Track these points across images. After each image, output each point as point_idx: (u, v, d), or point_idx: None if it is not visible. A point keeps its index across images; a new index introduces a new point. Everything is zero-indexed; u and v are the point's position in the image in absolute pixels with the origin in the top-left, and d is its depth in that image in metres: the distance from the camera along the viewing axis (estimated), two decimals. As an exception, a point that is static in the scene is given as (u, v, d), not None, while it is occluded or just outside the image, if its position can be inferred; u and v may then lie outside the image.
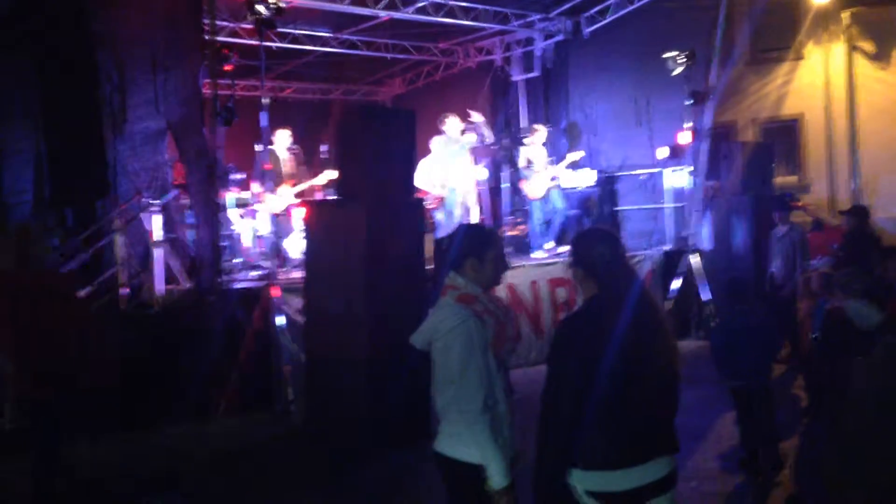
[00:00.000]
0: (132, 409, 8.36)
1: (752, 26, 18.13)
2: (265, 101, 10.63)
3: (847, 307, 6.79)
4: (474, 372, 3.58)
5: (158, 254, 9.80)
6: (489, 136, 13.10)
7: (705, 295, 12.31)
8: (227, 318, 9.40)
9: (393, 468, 7.26)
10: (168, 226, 10.70)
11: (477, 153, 13.16)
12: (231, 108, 10.33)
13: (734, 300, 7.04)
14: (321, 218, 8.69)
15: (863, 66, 17.43)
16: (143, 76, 10.50)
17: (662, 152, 14.57)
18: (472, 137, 12.74)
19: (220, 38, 12.07)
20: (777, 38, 18.25)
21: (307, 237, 8.93)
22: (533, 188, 13.12)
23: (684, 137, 13.51)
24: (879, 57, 17.26)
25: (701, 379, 7.69)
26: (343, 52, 16.88)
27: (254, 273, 11.32)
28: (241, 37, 14.49)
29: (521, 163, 13.13)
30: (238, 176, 12.89)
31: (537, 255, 12.85)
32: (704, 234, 13.04)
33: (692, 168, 13.54)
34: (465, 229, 4.64)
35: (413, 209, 8.49)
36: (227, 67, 10.62)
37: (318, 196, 12.27)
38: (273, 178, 11.38)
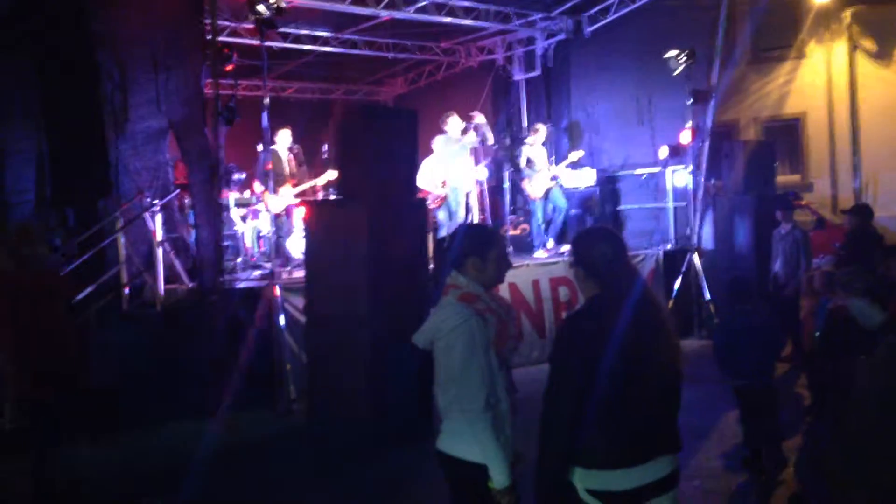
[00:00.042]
0: (134, 408, 8.35)
1: (754, 25, 18.16)
2: (266, 100, 10.62)
3: (850, 306, 6.79)
4: (476, 371, 3.58)
5: (160, 253, 9.80)
6: (490, 138, 13.10)
7: (707, 294, 12.29)
8: (228, 317, 9.40)
9: (395, 467, 7.25)
10: (170, 225, 10.71)
11: (478, 153, 13.16)
12: (233, 108, 10.33)
13: (736, 299, 7.03)
14: (322, 218, 8.70)
15: (864, 64, 17.45)
16: (145, 76, 10.51)
17: (664, 151, 14.55)
18: (473, 137, 12.74)
19: (221, 38, 12.07)
20: (779, 36, 18.28)
21: (308, 237, 8.93)
22: (534, 188, 13.12)
23: (686, 136, 13.49)
24: (881, 55, 17.27)
25: (703, 378, 7.68)
26: (344, 52, 16.88)
27: (255, 273, 11.33)
28: (242, 36, 14.49)
29: (522, 162, 13.13)
30: (239, 176, 12.90)
31: (539, 254, 12.84)
32: (706, 234, 13.02)
33: (694, 167, 13.52)
34: (467, 228, 4.64)
35: (415, 209, 8.49)
36: (229, 67, 10.61)
37: (320, 196, 12.27)
38: (274, 178, 11.38)
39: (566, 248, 12.76)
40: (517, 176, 13.36)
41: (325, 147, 12.60)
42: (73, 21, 10.30)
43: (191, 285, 10.05)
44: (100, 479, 7.18)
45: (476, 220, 12.68)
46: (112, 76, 10.43)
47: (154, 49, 10.51)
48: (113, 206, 10.28)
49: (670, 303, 11.99)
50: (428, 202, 11.65)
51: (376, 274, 7.75)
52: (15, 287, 6.14)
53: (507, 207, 14.08)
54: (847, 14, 17.46)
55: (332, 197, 11.91)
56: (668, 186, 14.50)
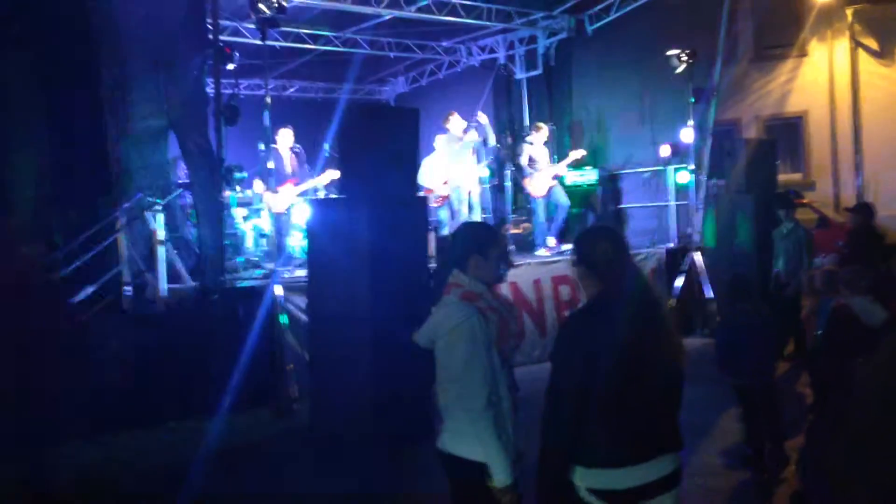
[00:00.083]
0: (134, 408, 8.35)
1: (756, 23, 18.15)
2: (268, 99, 10.63)
3: (852, 304, 6.78)
4: (478, 369, 3.58)
5: (162, 253, 9.80)
6: (492, 139, 13.11)
7: (708, 293, 12.28)
8: (230, 316, 9.40)
9: (396, 466, 7.25)
10: (172, 225, 10.71)
11: (480, 152, 13.16)
12: (234, 107, 10.34)
13: (737, 298, 7.02)
14: (324, 217, 8.70)
15: (867, 62, 17.43)
16: (146, 75, 10.51)
17: (665, 150, 14.56)
18: (475, 136, 12.74)
19: (222, 38, 12.07)
20: (780, 35, 18.26)
21: (310, 236, 8.93)
22: (536, 186, 13.11)
23: (687, 135, 13.48)
24: (883, 54, 17.25)
25: (704, 376, 7.63)
26: (346, 51, 16.87)
27: (257, 272, 11.33)
28: (243, 35, 14.49)
29: (524, 160, 13.13)
30: (241, 175, 12.91)
31: (540, 252, 12.84)
32: (708, 232, 13.02)
33: (695, 166, 13.52)
34: (468, 227, 4.65)
35: (417, 208, 8.48)
36: (230, 66, 10.62)
37: (321, 195, 12.27)
38: (275, 177, 11.38)
39: (568, 246, 12.76)
40: (519, 175, 13.37)
41: (327, 146, 12.60)
42: (75, 19, 10.29)
43: (192, 285, 10.05)
44: (100, 479, 7.18)
45: (478, 219, 12.68)
46: (113, 75, 10.43)
47: (156, 48, 10.51)
48: (114, 206, 10.27)
49: (672, 301, 11.99)
50: (430, 201, 11.66)
51: (378, 273, 7.74)
52: None
53: (509, 206, 14.07)
54: (849, 12, 17.43)
55: (334, 196, 11.91)
56: (670, 185, 14.51)
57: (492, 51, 18.36)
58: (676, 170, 14.36)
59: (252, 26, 13.57)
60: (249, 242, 12.71)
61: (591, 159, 16.59)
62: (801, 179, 18.23)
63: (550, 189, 13.22)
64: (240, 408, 8.57)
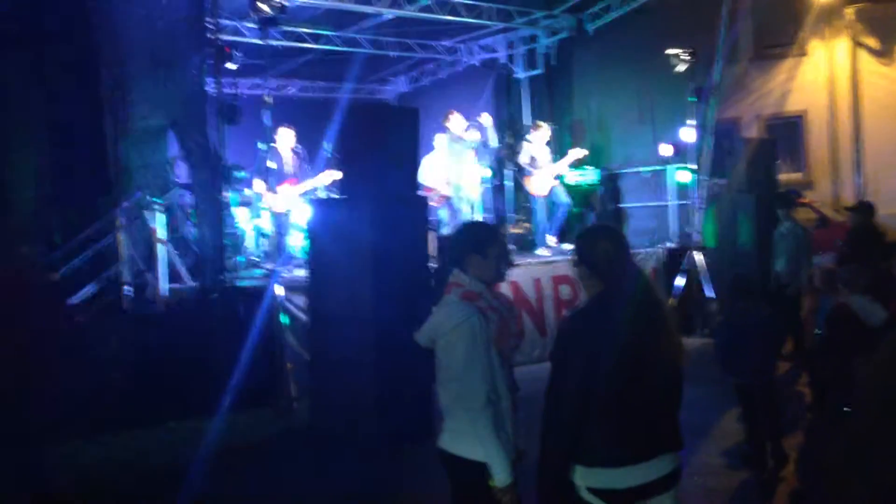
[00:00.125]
0: (134, 408, 8.35)
1: (756, 22, 18.13)
2: (268, 99, 10.62)
3: (852, 303, 6.79)
4: (478, 369, 3.58)
5: (162, 252, 9.80)
6: (493, 141, 13.12)
7: (709, 292, 12.28)
8: (230, 316, 9.40)
9: (397, 465, 7.26)
10: (171, 224, 10.71)
11: (480, 152, 13.16)
12: (235, 107, 10.35)
13: (737, 297, 7.02)
14: (325, 217, 8.70)
15: (866, 61, 17.43)
16: (146, 74, 10.50)
17: (666, 149, 14.56)
18: (476, 135, 12.74)
19: (222, 37, 12.06)
20: (780, 34, 18.26)
21: (311, 236, 8.94)
22: (536, 186, 13.11)
23: (688, 134, 13.48)
24: (883, 53, 17.25)
25: (704, 376, 7.64)
26: (347, 51, 16.87)
27: (257, 271, 11.33)
28: (244, 35, 14.48)
29: (524, 159, 13.13)
30: (241, 174, 12.90)
31: (541, 252, 12.84)
32: (708, 232, 13.02)
33: (696, 165, 13.51)
34: (468, 226, 4.65)
35: (417, 207, 8.48)
36: (230, 66, 10.62)
37: (321, 195, 12.27)
38: (275, 177, 11.38)
39: (568, 246, 12.76)
40: (519, 174, 13.36)
41: (328, 145, 12.59)
42: (75, 19, 10.29)
43: (192, 284, 10.05)
44: (100, 479, 7.18)
45: (478, 219, 12.67)
46: (113, 75, 10.43)
47: (155, 47, 10.51)
48: (113, 205, 10.27)
49: (672, 301, 11.99)
50: (430, 200, 11.65)
51: (378, 272, 7.75)
52: None
53: (510, 206, 14.07)
54: (849, 11, 17.43)
55: (335, 195, 11.91)
56: (671, 184, 14.51)
57: (492, 50, 18.34)
58: (677, 169, 14.37)
59: (252, 25, 13.55)
60: (249, 242, 12.71)
61: (592, 158, 16.56)
62: (800, 178, 18.23)
63: (551, 188, 13.22)
64: (240, 407, 8.57)
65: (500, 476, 3.53)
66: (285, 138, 11.99)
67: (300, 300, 9.43)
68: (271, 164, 11.07)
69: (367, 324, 7.77)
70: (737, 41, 17.04)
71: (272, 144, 11.43)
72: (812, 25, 17.80)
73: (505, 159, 14.03)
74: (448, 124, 12.49)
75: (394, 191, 8.00)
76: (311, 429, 8.44)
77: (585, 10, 16.46)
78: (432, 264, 9.35)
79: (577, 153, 13.86)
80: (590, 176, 15.71)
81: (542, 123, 13.74)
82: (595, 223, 14.22)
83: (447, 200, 12.79)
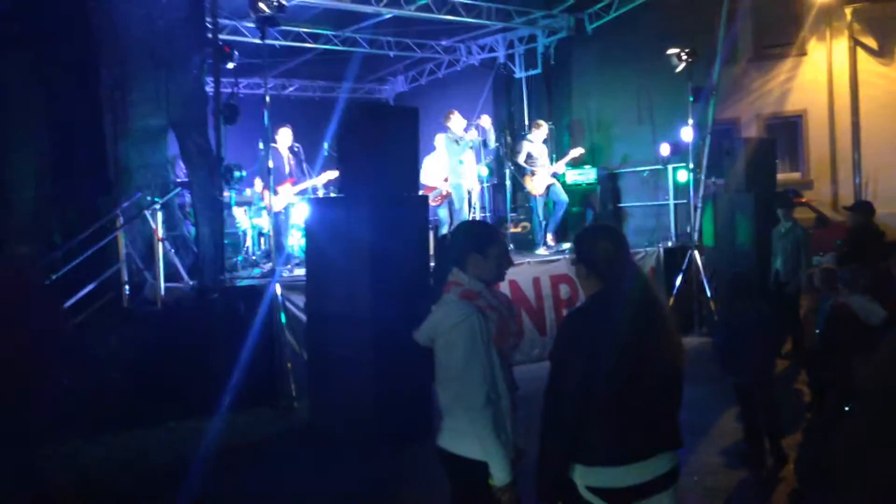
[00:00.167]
0: (134, 407, 8.36)
1: (755, 22, 18.15)
2: (267, 98, 10.62)
3: (851, 303, 6.80)
4: (477, 368, 3.58)
5: (161, 251, 9.80)
6: (492, 142, 13.13)
7: (708, 291, 12.28)
8: (229, 315, 9.40)
9: (396, 465, 7.26)
10: (170, 223, 10.71)
11: (479, 151, 13.18)
12: (234, 106, 10.35)
13: (736, 296, 7.03)
14: (323, 216, 8.70)
15: (866, 61, 17.44)
16: (145, 74, 10.50)
17: (665, 149, 14.57)
18: (475, 135, 12.75)
19: (221, 36, 12.07)
20: (780, 34, 18.28)
21: (309, 235, 8.94)
22: (535, 185, 13.12)
23: (687, 134, 13.49)
24: (882, 53, 17.26)
25: (703, 375, 7.65)
26: (345, 50, 16.87)
27: (256, 271, 11.33)
28: (243, 34, 14.49)
29: (522, 157, 13.14)
30: (240, 174, 12.90)
31: (540, 251, 12.85)
32: (707, 231, 13.02)
33: (695, 165, 13.52)
34: (468, 225, 4.65)
35: (417, 207, 8.48)
36: (229, 65, 10.62)
37: (320, 194, 12.28)
38: (275, 177, 11.38)
39: (567, 245, 12.77)
40: (518, 173, 13.37)
41: (327, 145, 12.61)
42: (75, 18, 10.29)
43: (191, 283, 10.06)
44: (100, 479, 7.19)
45: (477, 218, 12.69)
46: (113, 74, 10.43)
47: (155, 47, 10.50)
48: (113, 205, 10.27)
49: (671, 300, 11.99)
50: (430, 200, 11.67)
51: (377, 272, 7.75)
52: None
53: (509, 205, 14.09)
54: (848, 11, 17.45)
55: (333, 195, 11.92)
56: (669, 184, 14.51)
57: (491, 50, 18.36)
58: (676, 169, 14.38)
59: (251, 25, 13.57)
60: (248, 241, 12.72)
61: (591, 158, 16.60)
62: (800, 178, 18.25)
63: (549, 187, 13.23)
64: (239, 407, 8.58)
65: (500, 475, 3.53)
66: (284, 138, 12.00)
67: (299, 299, 9.43)
68: (271, 164, 11.07)
69: (366, 323, 7.77)
70: (736, 41, 17.08)
71: (272, 144, 11.44)
72: (811, 25, 17.82)
73: (504, 159, 14.04)
74: (448, 124, 12.51)
75: (392, 190, 8.00)
76: (310, 428, 8.45)
77: (584, 9, 16.48)
78: (431, 263, 9.35)
79: (575, 152, 13.88)
80: (589, 175, 15.73)
81: (541, 122, 13.75)
82: (594, 222, 14.25)
83: (447, 200, 12.80)
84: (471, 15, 15.07)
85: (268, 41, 11.06)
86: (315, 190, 12.27)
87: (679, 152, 14.22)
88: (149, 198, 10.34)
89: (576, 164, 14.94)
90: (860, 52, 17.49)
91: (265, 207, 11.90)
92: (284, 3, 10.24)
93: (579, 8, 16.44)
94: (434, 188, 12.81)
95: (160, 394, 8.48)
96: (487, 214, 14.39)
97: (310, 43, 16.28)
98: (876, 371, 3.56)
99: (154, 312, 9.61)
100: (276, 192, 11.32)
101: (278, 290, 9.45)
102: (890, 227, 11.86)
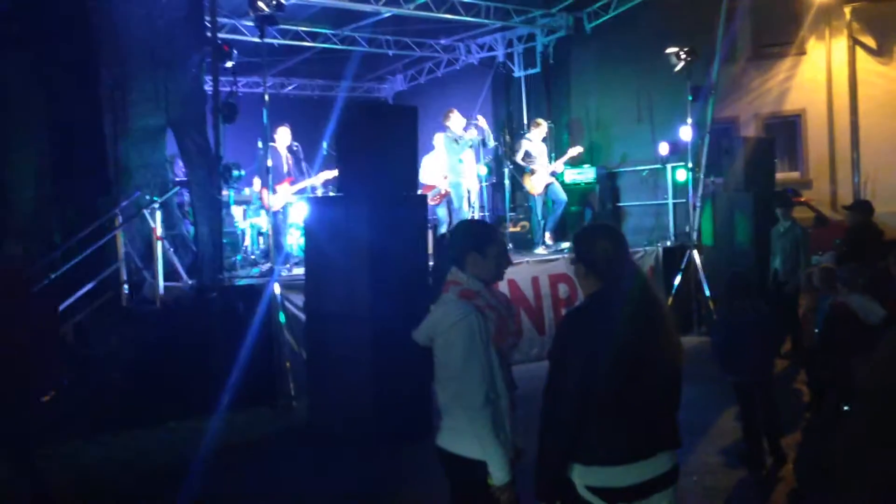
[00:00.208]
0: (134, 406, 8.36)
1: (754, 21, 18.15)
2: (266, 97, 10.62)
3: (850, 302, 6.81)
4: (476, 367, 3.58)
5: (160, 251, 9.80)
6: (491, 141, 13.13)
7: (707, 291, 12.28)
8: (228, 314, 9.40)
9: (395, 464, 7.26)
10: (169, 222, 10.71)
11: (479, 151, 13.18)
12: (232, 105, 10.35)
13: (735, 296, 7.03)
14: (322, 215, 8.70)
15: (865, 61, 17.45)
16: (145, 74, 10.50)
17: (664, 148, 14.57)
18: (474, 134, 12.75)
19: (220, 35, 12.06)
20: (779, 33, 18.28)
21: (308, 234, 8.94)
22: (534, 184, 13.13)
23: (686, 133, 13.49)
24: (881, 52, 17.26)
25: (702, 375, 7.67)
26: (344, 49, 16.87)
27: (254, 270, 11.33)
28: (242, 33, 14.49)
29: (520, 156, 13.15)
30: (239, 173, 12.91)
31: (539, 250, 12.85)
32: (706, 230, 13.02)
33: (693, 164, 13.53)
34: (466, 225, 4.65)
35: (415, 206, 8.48)
36: (228, 64, 10.62)
37: (318, 193, 12.28)
38: (274, 176, 11.39)
39: (566, 244, 12.77)
40: (517, 172, 13.37)
41: (325, 145, 12.61)
42: (74, 18, 10.28)
43: (190, 283, 10.06)
44: (100, 479, 7.19)
45: (476, 217, 12.69)
46: (112, 74, 10.43)
47: (154, 47, 10.50)
48: (112, 204, 10.27)
49: (670, 299, 11.99)
50: (429, 199, 11.67)
51: (376, 271, 7.75)
52: None
53: (507, 204, 14.09)
54: (847, 10, 17.45)
55: (332, 194, 11.92)
56: (668, 183, 14.51)
57: (490, 49, 18.36)
58: (675, 168, 14.38)
59: (250, 24, 13.58)
60: (247, 241, 12.72)
61: (590, 157, 16.60)
62: (799, 177, 18.25)
63: (548, 186, 13.23)
64: (239, 406, 8.58)
65: (499, 474, 3.53)
66: (283, 137, 12.00)
67: (298, 299, 9.43)
68: (270, 163, 11.07)
69: (365, 322, 7.77)
70: (735, 40, 17.07)
71: (271, 143, 11.44)
72: (810, 25, 17.82)
73: (503, 158, 14.04)
74: (448, 122, 12.51)
75: (391, 189, 8.00)
76: (309, 427, 8.44)
77: (583, 8, 16.48)
78: (430, 262, 9.35)
79: (574, 151, 13.88)
80: (588, 174, 15.73)
81: (541, 121, 13.75)
82: (593, 221, 14.25)
83: (445, 199, 12.80)
84: (470, 14, 15.07)
85: (267, 40, 11.07)
86: (314, 189, 12.27)
87: (678, 151, 14.22)
88: (148, 197, 10.34)
89: (575, 163, 14.94)
90: (859, 52, 17.49)
91: (262, 207, 11.90)
92: (283, 1, 10.24)
93: (578, 7, 16.45)
94: (433, 187, 12.81)
95: (160, 393, 8.48)
96: (486, 213, 14.39)
97: (308, 42, 16.29)
98: (875, 370, 3.56)
99: (153, 311, 9.61)
100: (274, 191, 11.32)
101: (277, 289, 9.45)
102: (889, 226, 11.85)
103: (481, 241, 3.82)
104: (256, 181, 12.49)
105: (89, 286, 9.32)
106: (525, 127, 15.74)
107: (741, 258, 11.57)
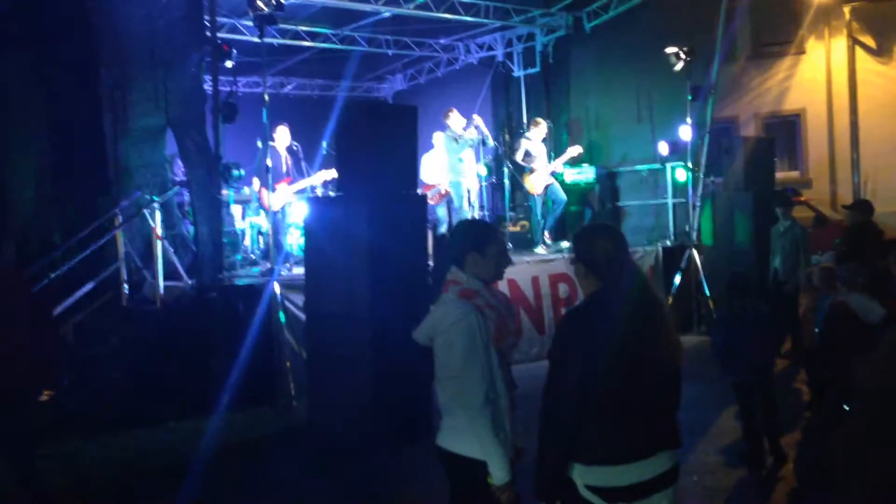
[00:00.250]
0: (134, 406, 8.36)
1: (754, 21, 18.16)
2: (266, 97, 10.62)
3: (850, 301, 6.80)
4: (476, 367, 3.58)
5: (160, 250, 9.80)
6: (490, 141, 13.13)
7: (707, 290, 12.28)
8: (228, 314, 9.40)
9: (395, 464, 7.26)
10: (169, 222, 10.71)
11: (478, 149, 13.18)
12: (232, 105, 10.35)
13: (735, 295, 7.03)
14: (322, 215, 8.70)
15: (864, 60, 17.45)
16: (145, 73, 10.51)
17: (663, 147, 14.56)
18: (474, 133, 12.75)
19: (220, 35, 12.06)
20: (778, 32, 18.29)
21: (308, 234, 8.93)
22: (534, 184, 13.12)
23: (685, 133, 13.49)
24: (881, 52, 17.27)
25: (702, 374, 7.68)
26: (344, 48, 16.87)
27: (254, 269, 11.33)
28: (241, 33, 14.49)
29: (520, 155, 13.14)
30: (239, 173, 12.91)
31: (539, 250, 12.85)
32: (706, 230, 13.02)
33: (693, 163, 13.52)
34: (466, 224, 4.65)
35: (415, 205, 8.48)
36: (228, 64, 10.62)
37: (318, 193, 12.28)
38: (274, 175, 11.38)
39: (565, 244, 12.78)
40: (517, 172, 13.37)
41: (325, 144, 12.60)
42: (75, 18, 10.29)
43: (189, 282, 10.06)
44: (100, 479, 7.18)
45: (476, 217, 12.69)
46: (112, 74, 10.43)
47: (154, 46, 10.50)
48: (112, 204, 10.28)
49: (670, 299, 11.99)
50: (428, 198, 11.67)
51: (376, 270, 7.75)
52: None
53: (507, 204, 14.09)
54: (847, 10, 17.46)
55: (332, 194, 11.92)
56: (668, 182, 14.51)
57: (490, 48, 18.36)
58: (674, 167, 14.37)
59: (250, 24, 13.57)
60: (247, 240, 12.72)
61: (589, 157, 16.58)
62: (798, 177, 18.26)
63: (548, 186, 13.23)
64: (239, 406, 8.58)
65: (499, 474, 3.53)
66: (282, 137, 11.99)
67: (298, 298, 9.42)
68: (269, 163, 11.07)
69: (364, 322, 7.77)
70: (735, 40, 17.07)
71: (270, 143, 11.43)
72: (810, 24, 17.83)
73: (503, 157, 14.04)
74: (448, 122, 12.50)
75: (391, 189, 8.00)
76: (309, 427, 8.44)
77: (583, 8, 16.47)
78: (430, 262, 9.35)
79: (573, 151, 13.87)
80: (587, 174, 15.73)
81: (540, 120, 13.74)
82: (594, 221, 14.24)
83: (445, 198, 12.80)
84: (469, 13, 15.07)
85: (266, 39, 11.05)
86: (313, 189, 12.27)
87: (678, 151, 14.21)
88: (148, 197, 10.34)
89: (574, 162, 14.93)
90: (859, 51, 17.49)
91: (261, 207, 11.90)
92: (283, 1, 10.24)
93: (578, 6, 16.44)
94: (432, 186, 12.81)
95: (160, 393, 8.48)
96: (486, 213, 14.38)
97: (308, 41, 16.29)
98: (875, 370, 3.56)
99: (153, 311, 9.62)
100: (273, 191, 11.32)
101: (277, 288, 9.44)
102: (889, 225, 11.85)
103: (481, 241, 3.81)
104: (255, 181, 12.49)
105: (89, 286, 9.32)
106: (524, 126, 15.72)
107: (741, 258, 11.56)
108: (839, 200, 16.77)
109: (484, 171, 13.88)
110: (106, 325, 9.23)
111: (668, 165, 14.55)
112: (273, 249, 10.74)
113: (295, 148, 12.19)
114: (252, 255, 12.36)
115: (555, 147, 16.07)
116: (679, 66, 13.03)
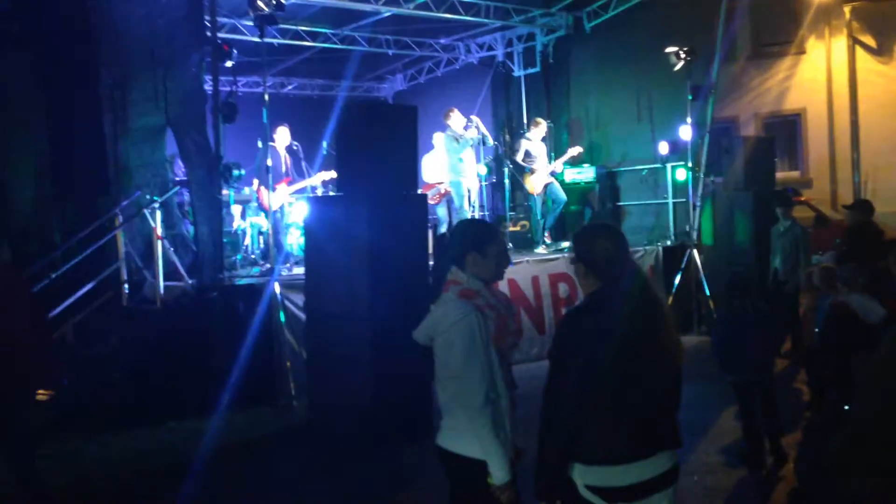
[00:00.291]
0: (134, 405, 8.36)
1: (754, 21, 18.14)
2: (266, 97, 10.63)
3: (850, 301, 6.81)
4: (476, 367, 3.58)
5: (160, 250, 9.80)
6: (490, 140, 13.13)
7: (707, 290, 12.28)
8: (229, 314, 9.40)
9: (395, 464, 7.26)
10: (169, 222, 10.71)
11: (478, 149, 13.18)
12: (232, 105, 10.35)
13: (735, 295, 7.03)
14: (322, 214, 8.70)
15: (864, 60, 17.43)
16: (145, 73, 10.51)
17: (664, 147, 14.56)
18: (474, 133, 12.75)
19: (220, 35, 12.07)
20: (778, 32, 18.27)
21: (308, 234, 8.94)
22: (534, 184, 13.13)
23: (686, 132, 13.49)
24: (881, 51, 17.25)
25: (702, 374, 7.68)
26: (344, 48, 16.87)
27: (255, 269, 11.33)
28: (241, 33, 14.49)
29: (520, 155, 13.15)
30: (239, 172, 12.91)
31: (539, 250, 12.85)
32: (706, 230, 13.02)
33: (693, 163, 13.52)
34: (466, 224, 4.65)
35: (415, 205, 8.48)
36: (228, 64, 10.62)
37: (318, 193, 12.28)
38: (274, 175, 11.39)
39: (566, 244, 12.78)
40: (518, 172, 13.37)
41: (325, 144, 12.61)
42: (74, 17, 10.29)
43: (190, 282, 10.06)
44: (100, 479, 7.18)
45: (476, 216, 12.69)
46: (112, 74, 10.43)
47: (154, 46, 10.50)
48: (112, 204, 10.28)
49: (670, 299, 11.99)
50: (429, 198, 11.67)
51: (376, 270, 7.75)
52: None
53: (507, 204, 14.10)
54: (847, 9, 17.44)
55: (332, 193, 11.92)
56: (668, 182, 14.51)
57: (490, 48, 18.36)
58: (674, 167, 14.38)
59: (250, 23, 13.57)
60: (248, 240, 12.72)
61: (589, 157, 16.59)
62: (798, 177, 18.25)
63: (548, 186, 13.23)
64: (239, 406, 8.58)
65: (499, 474, 3.53)
66: (282, 137, 12.00)
67: (299, 298, 9.42)
68: (269, 163, 11.08)
69: (365, 322, 7.77)
70: (735, 39, 17.06)
71: (270, 143, 11.44)
72: (810, 24, 17.81)
73: (503, 157, 14.04)
74: (448, 121, 12.50)
75: (391, 189, 8.00)
76: (309, 427, 8.44)
77: (583, 8, 16.48)
78: (430, 262, 9.35)
79: (573, 151, 13.88)
80: (587, 174, 15.73)
81: (540, 120, 13.75)
82: (594, 221, 14.25)
83: (445, 198, 12.80)
84: (469, 13, 15.07)
85: (266, 39, 11.06)
86: (313, 189, 12.27)
87: (678, 151, 14.22)
88: (148, 196, 10.34)
89: (574, 162, 14.94)
90: (859, 51, 17.48)
91: (261, 207, 11.90)
92: (283, 1, 10.24)
93: (578, 6, 16.44)
94: (432, 186, 12.82)
95: (160, 393, 8.48)
96: (486, 213, 14.38)
97: (308, 41, 16.29)
98: (875, 370, 3.56)
99: (153, 311, 9.62)
100: (273, 191, 11.32)
101: (277, 288, 9.44)
102: (889, 225, 11.84)
103: (481, 241, 3.81)
104: (256, 181, 12.49)
105: (89, 286, 9.32)
106: (525, 126, 15.73)
107: (741, 257, 11.57)
108: (839, 200, 16.76)
109: (484, 171, 13.88)
110: (106, 324, 9.22)
111: (669, 165, 14.55)
112: (273, 249, 10.74)
113: (295, 148, 12.19)
114: (252, 255, 12.36)
115: (555, 147, 16.07)
116: (679, 65, 13.03)
